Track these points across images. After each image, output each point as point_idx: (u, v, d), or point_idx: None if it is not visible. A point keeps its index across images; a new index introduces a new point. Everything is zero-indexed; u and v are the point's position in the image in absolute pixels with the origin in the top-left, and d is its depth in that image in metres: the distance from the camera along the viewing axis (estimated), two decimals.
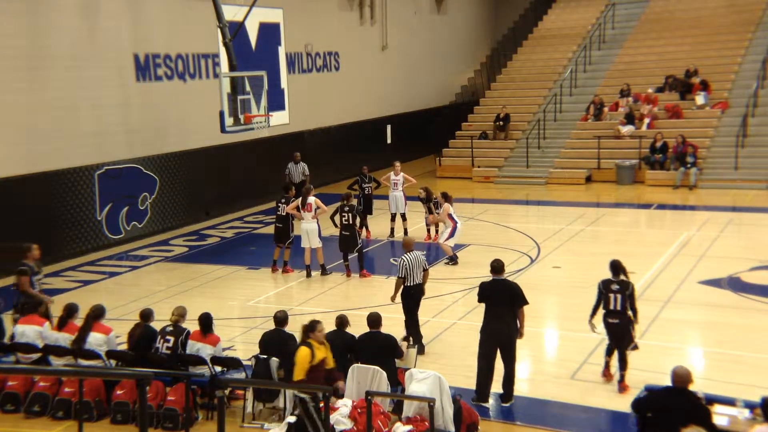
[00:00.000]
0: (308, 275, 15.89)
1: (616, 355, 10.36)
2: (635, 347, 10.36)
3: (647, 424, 7.74)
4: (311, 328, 9.39)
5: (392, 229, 18.90)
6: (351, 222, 15.83)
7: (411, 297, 11.66)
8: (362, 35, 28.50)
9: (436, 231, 18.20)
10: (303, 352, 9.18)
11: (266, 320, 12.08)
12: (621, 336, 10.24)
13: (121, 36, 19.19)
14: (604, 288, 10.32)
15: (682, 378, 7.57)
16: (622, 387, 10.23)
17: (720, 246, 17.20)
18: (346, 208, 15.89)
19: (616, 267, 10.38)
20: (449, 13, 33.85)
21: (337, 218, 16.18)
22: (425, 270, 11.76)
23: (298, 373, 9.13)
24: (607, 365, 10.51)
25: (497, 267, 10.08)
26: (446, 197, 16.75)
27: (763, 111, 25.48)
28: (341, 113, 27.35)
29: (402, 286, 11.62)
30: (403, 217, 18.84)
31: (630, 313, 10.25)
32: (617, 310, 10.20)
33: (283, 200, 16.41)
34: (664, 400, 7.67)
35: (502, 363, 9.96)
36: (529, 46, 33.35)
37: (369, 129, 28.75)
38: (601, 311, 10.40)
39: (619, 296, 10.18)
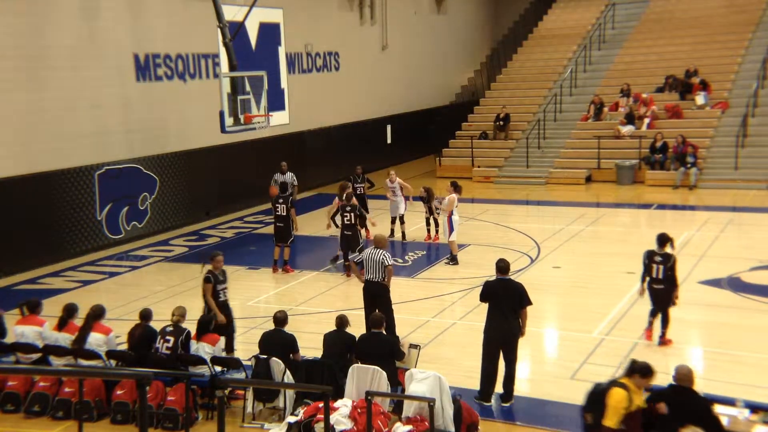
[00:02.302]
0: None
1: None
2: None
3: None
4: (641, 371, 7.55)
5: (392, 230, 18.87)
6: (353, 222, 15.85)
7: (366, 291, 12.00)
8: (362, 35, 28.50)
9: (436, 231, 18.20)
10: (619, 396, 7.41)
11: (266, 320, 12.05)
12: (663, 299, 11.47)
13: (121, 36, 19.18)
14: (648, 259, 11.49)
15: (683, 376, 7.59)
16: (664, 341, 11.56)
17: (720, 246, 17.20)
18: (348, 208, 15.90)
19: (663, 239, 11.49)
20: (449, 13, 33.85)
21: (338, 218, 16.17)
22: (386, 267, 11.85)
23: (611, 419, 7.35)
24: (650, 324, 11.70)
25: (503, 267, 10.10)
26: (455, 187, 16.57)
27: (763, 111, 25.48)
28: (341, 113, 27.34)
29: (361, 274, 12.03)
30: (401, 219, 18.72)
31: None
32: (659, 278, 11.41)
33: (281, 200, 16.34)
34: (667, 399, 7.66)
35: (503, 362, 9.97)
36: (529, 46, 33.34)
37: (369, 129, 28.75)
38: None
39: (661, 267, 11.37)
